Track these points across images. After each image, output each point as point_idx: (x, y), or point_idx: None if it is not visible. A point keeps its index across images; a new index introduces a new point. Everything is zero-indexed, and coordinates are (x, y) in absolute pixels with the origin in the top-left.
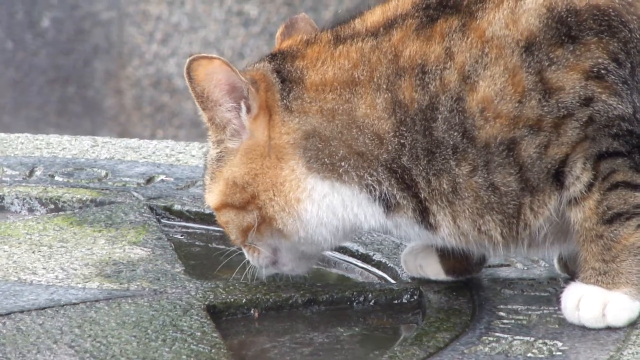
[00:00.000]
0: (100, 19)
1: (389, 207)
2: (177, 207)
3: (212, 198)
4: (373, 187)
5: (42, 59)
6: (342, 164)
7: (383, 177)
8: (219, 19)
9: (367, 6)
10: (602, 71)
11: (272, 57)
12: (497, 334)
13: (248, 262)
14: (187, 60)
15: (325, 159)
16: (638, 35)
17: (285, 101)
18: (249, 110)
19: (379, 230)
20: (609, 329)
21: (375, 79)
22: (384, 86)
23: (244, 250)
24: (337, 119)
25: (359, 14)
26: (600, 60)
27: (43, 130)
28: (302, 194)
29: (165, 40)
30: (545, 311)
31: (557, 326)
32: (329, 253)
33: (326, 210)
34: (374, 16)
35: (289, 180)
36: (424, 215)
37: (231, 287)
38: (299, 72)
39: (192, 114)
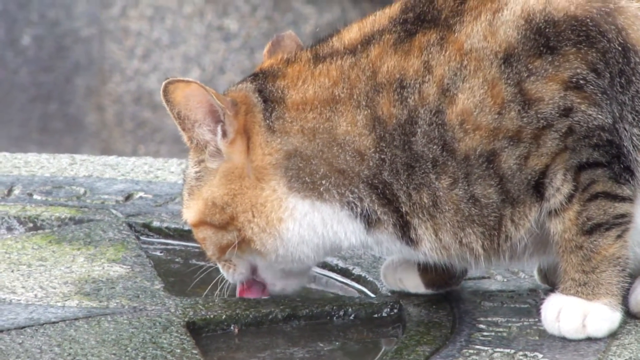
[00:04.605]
0: (80, 36)
1: (369, 223)
2: (156, 223)
3: (190, 214)
4: (354, 204)
5: (23, 76)
6: (323, 182)
7: (364, 193)
8: (199, 34)
9: (344, 22)
10: (581, 81)
11: (254, 76)
12: (477, 347)
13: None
14: (164, 83)
15: (307, 178)
16: (616, 45)
17: (267, 121)
18: (225, 134)
19: (359, 247)
20: (590, 339)
21: (355, 96)
22: (364, 103)
23: (219, 266)
24: (318, 137)
25: (335, 31)
26: (579, 71)
27: (25, 148)
28: (284, 213)
29: (146, 55)
30: (525, 323)
31: (537, 338)
32: None
33: (307, 228)
34: (351, 33)
35: (271, 200)
36: (404, 230)
37: (211, 304)
38: (280, 91)
39: (173, 130)
